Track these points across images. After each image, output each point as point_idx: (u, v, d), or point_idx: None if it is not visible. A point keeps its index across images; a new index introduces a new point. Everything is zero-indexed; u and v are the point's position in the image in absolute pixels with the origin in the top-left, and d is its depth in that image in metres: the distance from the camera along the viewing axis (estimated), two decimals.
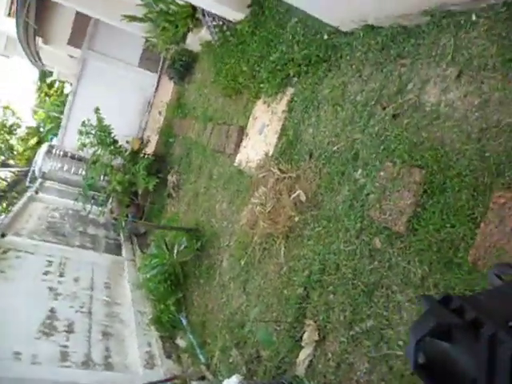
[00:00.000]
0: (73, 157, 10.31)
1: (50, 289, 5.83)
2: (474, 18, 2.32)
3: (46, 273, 6.27)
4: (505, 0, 2.14)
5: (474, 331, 0.61)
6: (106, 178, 8.27)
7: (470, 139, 2.17)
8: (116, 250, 8.14)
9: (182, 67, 8.02)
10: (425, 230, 2.21)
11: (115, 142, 7.65)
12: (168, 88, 9.23)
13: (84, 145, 7.72)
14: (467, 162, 2.12)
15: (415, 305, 2.16)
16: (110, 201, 8.70)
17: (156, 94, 10.76)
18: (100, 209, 8.22)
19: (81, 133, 7.67)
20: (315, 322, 2.83)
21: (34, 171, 10.73)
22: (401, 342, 2.18)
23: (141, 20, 7.38)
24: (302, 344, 2.83)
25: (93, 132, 7.52)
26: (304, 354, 2.80)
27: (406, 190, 2.36)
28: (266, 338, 2.70)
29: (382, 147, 2.69)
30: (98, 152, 7.55)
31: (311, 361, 2.77)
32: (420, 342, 0.63)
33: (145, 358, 4.85)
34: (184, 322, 5.09)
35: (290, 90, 4.07)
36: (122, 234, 8.68)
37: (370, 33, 3.14)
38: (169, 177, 7.33)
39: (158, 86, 10.76)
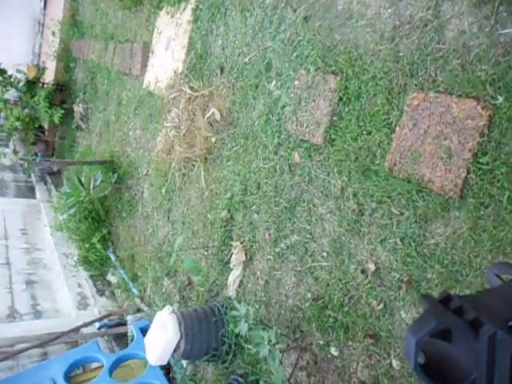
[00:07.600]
0: None
1: None
2: None
3: None
4: None
5: (473, 331, 0.62)
6: (2, 114, 7.31)
7: (383, 39, 2.04)
8: (29, 192, 7.49)
9: None
10: (342, 140, 2.13)
11: (2, 71, 6.62)
12: (59, 3, 7.99)
13: None
14: (381, 64, 2.01)
15: (336, 216, 2.15)
16: (12, 140, 7.80)
17: (46, 11, 9.32)
18: (0, 150, 7.33)
19: None
20: (241, 243, 2.79)
21: None
22: (324, 254, 2.19)
23: None
24: (231, 266, 2.81)
25: None
26: (233, 276, 2.79)
27: (322, 98, 2.23)
28: (192, 266, 2.62)
29: (294, 54, 2.50)
30: None
31: (241, 281, 2.77)
32: (420, 342, 0.64)
33: (77, 300, 4.69)
34: (112, 257, 4.91)
35: None
36: (33, 175, 7.95)
37: None
38: (75, 107, 6.62)
39: (46, 1, 9.28)
